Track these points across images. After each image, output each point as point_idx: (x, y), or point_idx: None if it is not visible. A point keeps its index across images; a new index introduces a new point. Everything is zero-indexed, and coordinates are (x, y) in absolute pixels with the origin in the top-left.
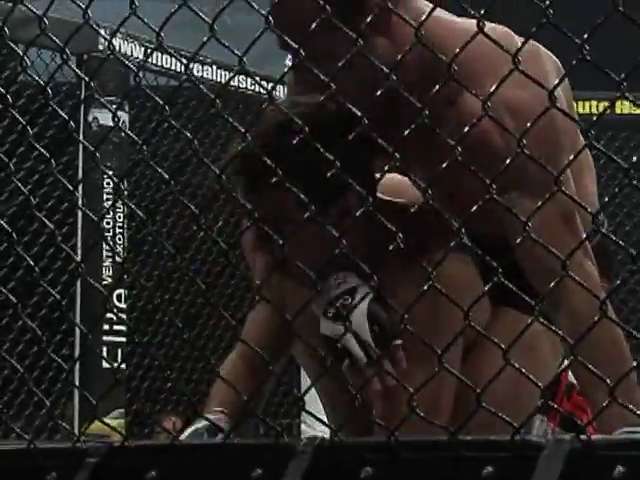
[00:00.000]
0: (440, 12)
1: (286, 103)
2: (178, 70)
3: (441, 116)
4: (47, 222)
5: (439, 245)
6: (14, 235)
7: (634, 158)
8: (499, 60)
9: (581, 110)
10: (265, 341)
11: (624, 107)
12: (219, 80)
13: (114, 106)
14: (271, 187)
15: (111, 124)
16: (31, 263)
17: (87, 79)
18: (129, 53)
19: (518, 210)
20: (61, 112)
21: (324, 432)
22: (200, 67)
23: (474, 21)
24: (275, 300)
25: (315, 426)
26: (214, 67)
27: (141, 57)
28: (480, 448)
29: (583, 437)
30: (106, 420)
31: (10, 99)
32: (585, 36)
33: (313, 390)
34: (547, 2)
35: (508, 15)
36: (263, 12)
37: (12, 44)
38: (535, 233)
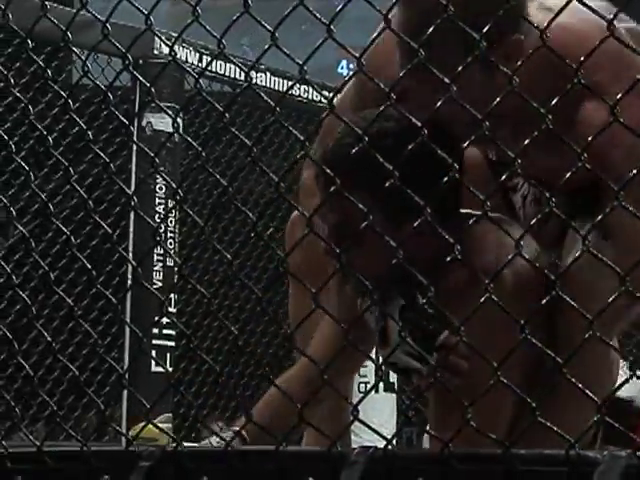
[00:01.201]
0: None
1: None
2: (232, 76)
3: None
4: (104, 225)
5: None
6: (72, 238)
7: None
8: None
9: None
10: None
11: None
12: (271, 86)
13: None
14: (348, 192)
15: (165, 129)
16: (87, 265)
17: (147, 84)
18: (184, 59)
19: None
20: (121, 117)
21: (371, 441)
22: (254, 74)
23: (594, 21)
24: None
25: (362, 435)
26: (268, 74)
27: (196, 63)
28: (534, 462)
29: None
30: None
31: (71, 103)
32: None
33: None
34: None
35: None
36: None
37: (74, 49)
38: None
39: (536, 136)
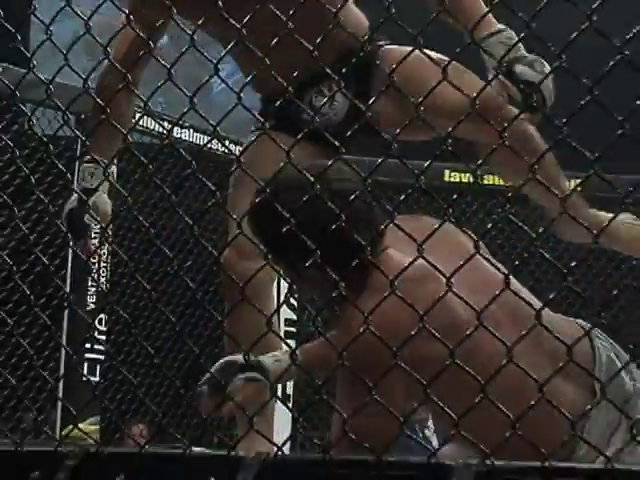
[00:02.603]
0: None
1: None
2: (160, 131)
3: None
4: (41, 256)
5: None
6: (14, 267)
7: None
8: None
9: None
10: None
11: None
12: (193, 141)
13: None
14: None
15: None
16: (27, 291)
17: (83, 138)
18: None
19: None
20: (59, 164)
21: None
22: (179, 130)
23: None
24: None
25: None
26: (191, 130)
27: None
28: (399, 468)
29: (488, 462)
30: (83, 426)
31: (17, 151)
32: None
33: None
34: None
35: None
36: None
37: (22, 106)
38: None
39: None
